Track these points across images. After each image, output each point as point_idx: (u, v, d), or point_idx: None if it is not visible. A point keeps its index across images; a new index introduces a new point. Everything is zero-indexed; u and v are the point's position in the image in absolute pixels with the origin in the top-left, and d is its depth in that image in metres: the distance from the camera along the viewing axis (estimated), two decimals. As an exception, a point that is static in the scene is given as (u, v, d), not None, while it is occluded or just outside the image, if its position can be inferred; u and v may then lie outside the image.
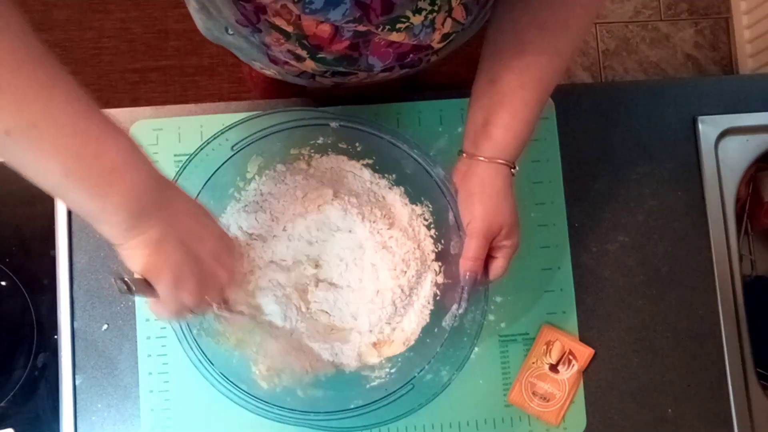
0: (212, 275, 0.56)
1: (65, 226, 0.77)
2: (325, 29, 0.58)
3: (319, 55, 0.62)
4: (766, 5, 1.66)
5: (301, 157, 0.74)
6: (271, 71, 0.75)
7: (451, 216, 0.69)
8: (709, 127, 0.84)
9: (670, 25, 1.81)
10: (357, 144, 0.73)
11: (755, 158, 0.85)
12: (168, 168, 0.78)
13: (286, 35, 0.60)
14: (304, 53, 0.62)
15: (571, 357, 0.77)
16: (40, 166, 0.43)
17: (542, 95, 0.63)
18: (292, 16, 0.57)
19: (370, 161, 0.74)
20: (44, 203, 0.77)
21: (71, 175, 0.44)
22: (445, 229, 0.71)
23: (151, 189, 0.48)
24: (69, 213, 0.77)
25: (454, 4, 0.58)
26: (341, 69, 0.66)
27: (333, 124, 0.71)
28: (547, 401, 0.77)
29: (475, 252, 0.65)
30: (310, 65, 0.65)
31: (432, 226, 0.72)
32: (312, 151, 0.74)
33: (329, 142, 0.73)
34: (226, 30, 0.67)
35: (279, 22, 0.58)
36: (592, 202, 0.82)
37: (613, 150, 0.83)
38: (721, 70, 1.80)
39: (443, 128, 0.81)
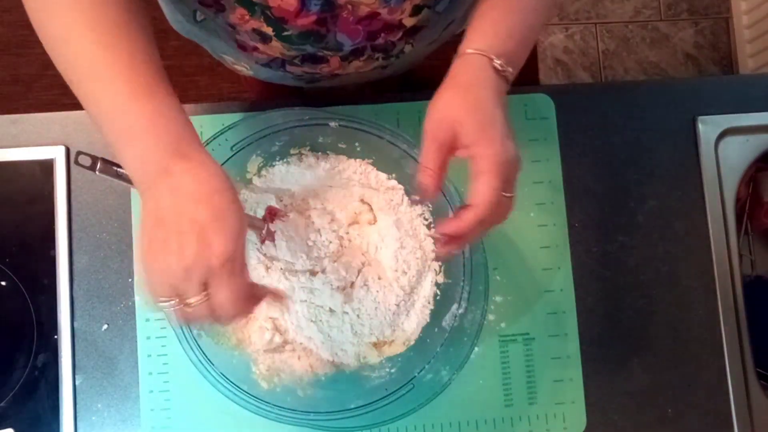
0: (194, 254, 0.47)
1: (65, 226, 0.77)
2: (291, 2, 0.57)
3: (285, 33, 0.61)
4: (766, 5, 1.66)
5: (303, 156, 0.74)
6: (241, 65, 0.74)
7: (450, 215, 0.68)
8: (709, 127, 0.84)
9: (670, 25, 1.81)
10: (357, 144, 0.73)
11: (755, 158, 0.85)
12: (168, 168, 0.78)
13: (251, 9, 0.59)
14: (269, 30, 0.61)
15: None
16: (94, 100, 0.50)
17: None
18: None
19: (370, 161, 0.74)
20: (44, 203, 0.77)
21: (102, 117, 0.50)
22: (445, 229, 0.71)
23: (158, 158, 0.48)
24: (69, 213, 0.77)
25: None
26: (309, 49, 0.64)
27: (332, 124, 0.71)
28: None
29: (423, 156, 0.53)
30: (277, 47, 0.64)
31: (432, 226, 0.72)
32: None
33: (329, 141, 0.73)
34: (195, 16, 0.66)
35: None
36: (592, 202, 0.82)
37: (613, 150, 0.83)
38: (721, 70, 1.80)
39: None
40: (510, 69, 0.53)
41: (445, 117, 0.52)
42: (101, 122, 0.50)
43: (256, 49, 0.67)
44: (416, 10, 0.61)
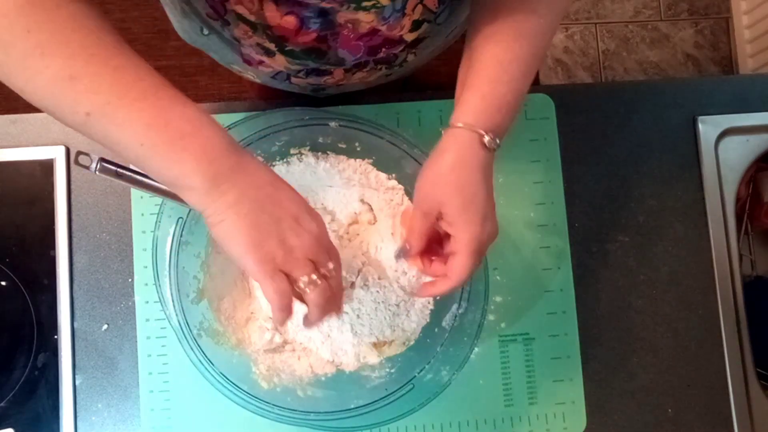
0: (295, 236, 0.51)
1: (65, 226, 0.77)
2: (290, 21, 0.57)
3: (287, 48, 0.61)
4: (766, 5, 1.66)
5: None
6: (248, 74, 0.74)
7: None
8: (709, 127, 0.84)
9: (670, 25, 1.81)
10: (357, 144, 0.73)
11: (755, 158, 0.85)
12: (168, 168, 0.78)
13: (253, 27, 0.60)
14: (272, 46, 0.62)
15: None
16: (119, 140, 0.48)
17: (519, 53, 0.56)
18: (254, 5, 0.56)
19: (370, 161, 0.74)
20: (44, 203, 0.77)
21: (146, 144, 0.47)
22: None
23: (224, 153, 0.49)
24: (69, 213, 0.77)
25: None
26: (312, 63, 0.65)
27: (333, 124, 0.71)
28: None
29: (411, 220, 0.59)
30: (281, 61, 0.65)
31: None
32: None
33: (329, 141, 0.73)
34: (201, 30, 0.67)
35: (241, 10, 0.58)
36: (592, 202, 0.82)
37: (613, 150, 0.83)
38: (721, 70, 1.80)
39: (443, 128, 0.81)
40: (498, 141, 0.55)
41: (430, 193, 0.56)
42: (140, 140, 0.47)
43: (261, 62, 0.67)
44: (416, 25, 0.61)
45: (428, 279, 0.71)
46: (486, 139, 0.55)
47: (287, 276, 0.51)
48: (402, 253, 0.63)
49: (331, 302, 0.54)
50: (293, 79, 0.71)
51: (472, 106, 0.56)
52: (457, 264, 0.56)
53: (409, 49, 0.68)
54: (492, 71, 0.55)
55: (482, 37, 0.56)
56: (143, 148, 0.47)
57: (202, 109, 0.49)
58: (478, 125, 0.55)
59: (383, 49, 0.64)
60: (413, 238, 0.59)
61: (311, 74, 0.69)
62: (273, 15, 0.57)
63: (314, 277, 0.52)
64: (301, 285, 0.52)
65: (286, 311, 0.52)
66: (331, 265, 0.53)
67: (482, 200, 0.55)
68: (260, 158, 0.52)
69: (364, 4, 0.55)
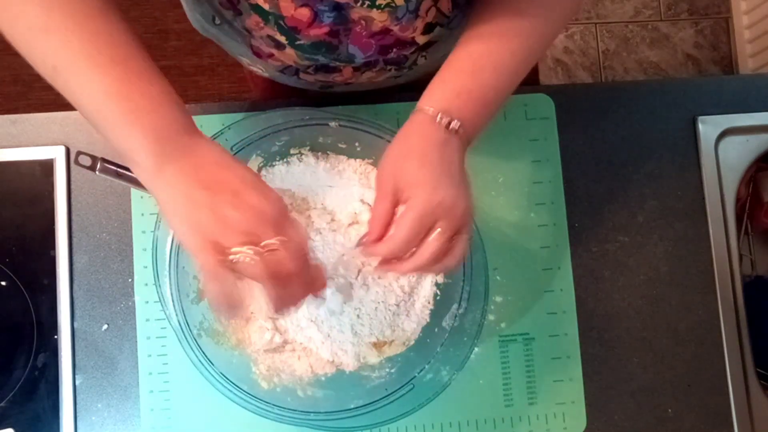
0: (231, 208, 0.49)
1: (65, 226, 0.77)
2: (304, 13, 0.57)
3: (298, 42, 0.62)
4: (766, 5, 1.66)
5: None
6: (257, 67, 0.74)
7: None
8: (709, 127, 0.84)
9: (670, 25, 1.81)
10: (357, 144, 0.73)
11: (755, 158, 0.85)
12: (168, 168, 0.78)
13: (265, 17, 0.60)
14: (283, 39, 0.62)
15: None
16: (79, 101, 0.48)
17: (492, 48, 0.57)
18: None
19: (370, 161, 0.74)
20: (44, 203, 0.77)
21: (102, 111, 0.48)
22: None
23: (174, 134, 0.49)
24: (69, 213, 0.77)
25: None
26: (322, 58, 0.65)
27: (333, 124, 0.71)
28: None
29: (373, 207, 0.57)
30: (291, 55, 0.65)
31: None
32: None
33: (329, 141, 0.73)
34: (213, 20, 0.67)
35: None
36: (592, 202, 0.82)
37: (613, 150, 0.83)
38: (721, 70, 1.80)
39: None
40: (458, 123, 0.55)
41: (390, 171, 0.55)
42: (97, 107, 0.48)
43: (271, 55, 0.67)
44: (429, 28, 0.62)
45: (427, 279, 0.72)
46: (440, 118, 0.54)
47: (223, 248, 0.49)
48: (363, 240, 0.58)
49: (295, 283, 0.51)
50: (302, 75, 0.71)
51: (432, 92, 0.56)
52: (400, 222, 0.54)
53: (420, 52, 0.68)
54: (461, 63, 0.56)
55: (464, 36, 0.57)
56: (99, 114, 0.48)
57: (168, 89, 0.49)
58: (435, 106, 0.55)
59: (394, 50, 0.64)
60: (372, 222, 0.57)
61: (320, 71, 0.69)
62: (287, 5, 0.57)
63: (247, 248, 0.48)
64: (232, 257, 0.49)
65: (218, 282, 0.49)
66: (275, 240, 0.49)
67: (438, 167, 0.54)
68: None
69: (379, 2, 0.55)
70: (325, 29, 0.59)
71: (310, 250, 0.67)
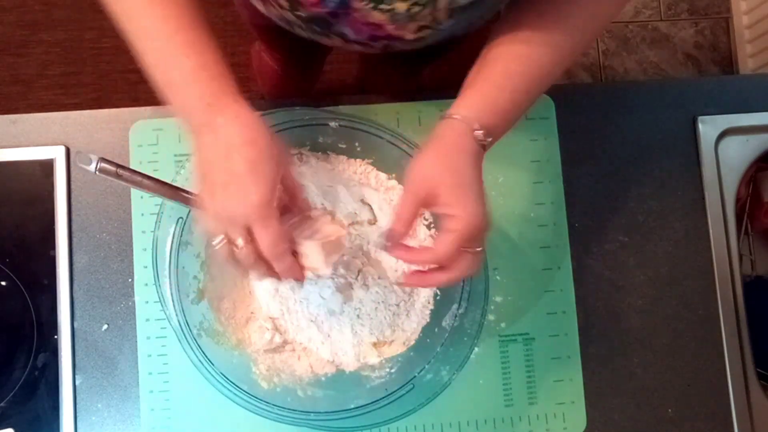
0: (235, 204, 0.53)
1: (65, 226, 0.77)
2: None
3: (297, 12, 0.63)
4: (766, 5, 1.66)
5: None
6: (259, 5, 0.75)
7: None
8: (709, 127, 0.84)
9: (670, 25, 1.81)
10: (357, 144, 0.73)
11: (755, 158, 0.85)
12: (168, 168, 0.78)
13: None
14: (285, 2, 0.62)
15: None
16: (142, 60, 0.56)
17: (528, 70, 0.59)
18: None
19: (370, 161, 0.74)
20: (44, 203, 0.77)
21: (153, 68, 0.56)
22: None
23: (200, 112, 0.54)
24: (69, 213, 0.77)
25: (440, 5, 0.57)
26: (316, 28, 0.66)
27: (333, 124, 0.71)
28: None
29: (401, 206, 0.58)
30: (289, 16, 0.66)
31: (432, 226, 0.72)
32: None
33: (329, 141, 0.73)
34: None
35: None
36: (592, 202, 0.82)
37: (613, 150, 0.83)
38: (721, 70, 1.80)
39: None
40: (489, 139, 0.57)
41: (426, 176, 0.56)
42: (153, 73, 0.56)
43: (276, 2, 0.68)
44: (420, 29, 0.63)
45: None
46: (479, 132, 0.56)
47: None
48: (387, 238, 0.59)
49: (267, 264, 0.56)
50: (296, 29, 0.72)
51: (471, 102, 0.58)
52: (446, 239, 0.55)
53: (409, 43, 0.69)
54: (500, 79, 0.58)
55: (497, 47, 0.59)
56: (151, 76, 0.56)
57: (198, 63, 0.54)
58: (473, 118, 0.57)
59: (384, 40, 0.65)
60: (400, 223, 0.58)
61: (315, 33, 0.70)
62: None
63: (245, 240, 0.55)
64: (238, 244, 0.55)
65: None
66: (264, 236, 0.54)
67: (476, 185, 0.56)
68: (244, 108, 0.56)
69: (381, 6, 0.57)
70: (326, 10, 0.60)
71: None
